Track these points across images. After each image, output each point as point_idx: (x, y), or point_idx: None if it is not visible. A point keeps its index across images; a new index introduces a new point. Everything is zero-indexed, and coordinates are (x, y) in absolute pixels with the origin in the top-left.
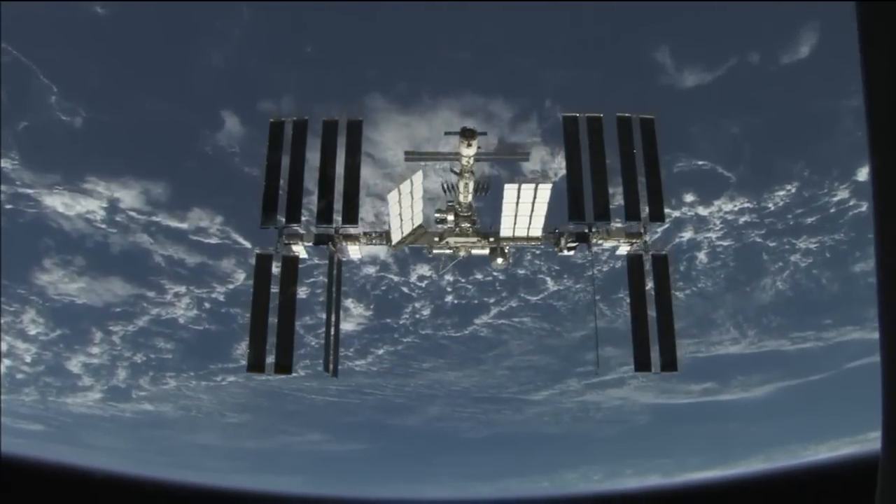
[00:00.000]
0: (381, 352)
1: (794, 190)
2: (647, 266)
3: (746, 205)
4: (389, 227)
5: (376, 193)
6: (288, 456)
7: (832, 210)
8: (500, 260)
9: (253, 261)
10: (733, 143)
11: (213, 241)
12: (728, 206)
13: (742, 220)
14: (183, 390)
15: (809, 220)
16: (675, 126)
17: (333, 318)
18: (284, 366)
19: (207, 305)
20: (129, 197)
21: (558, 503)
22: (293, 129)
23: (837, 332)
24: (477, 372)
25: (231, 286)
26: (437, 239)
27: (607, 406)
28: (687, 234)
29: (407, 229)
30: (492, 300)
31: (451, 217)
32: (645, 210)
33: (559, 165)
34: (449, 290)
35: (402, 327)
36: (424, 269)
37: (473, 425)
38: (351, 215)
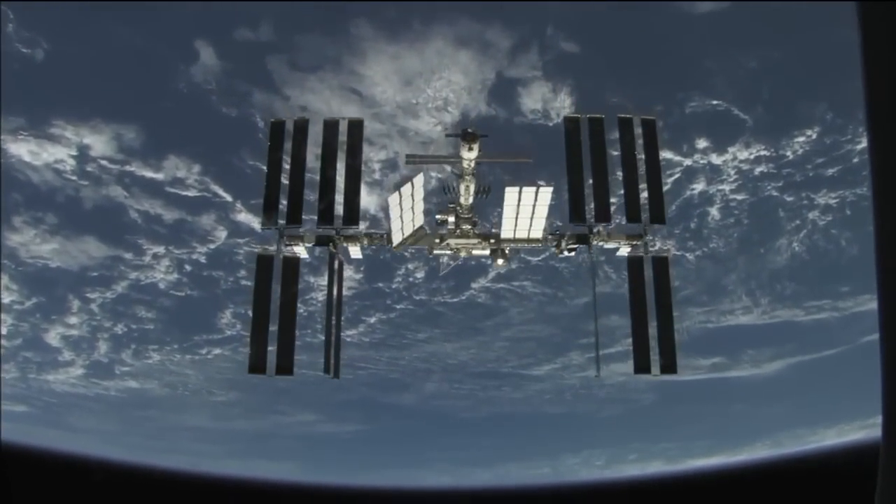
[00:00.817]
0: (373, 320)
1: (814, 136)
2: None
3: (763, 152)
4: (390, 228)
5: (365, 138)
6: (281, 439)
7: (855, 160)
8: (500, 261)
9: (248, 249)
10: (751, 80)
11: (192, 193)
12: (743, 154)
13: (758, 170)
14: (167, 365)
15: (830, 171)
16: (689, 59)
17: (334, 321)
18: (285, 367)
19: (188, 268)
20: (99, 143)
21: (559, 493)
22: (294, 129)
23: (854, 302)
24: (475, 343)
25: (212, 246)
26: (437, 240)
27: (611, 383)
28: (698, 186)
29: (408, 231)
30: (490, 261)
31: (451, 219)
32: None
33: (561, 104)
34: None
35: (394, 292)
36: None
37: (472, 404)
38: (352, 216)
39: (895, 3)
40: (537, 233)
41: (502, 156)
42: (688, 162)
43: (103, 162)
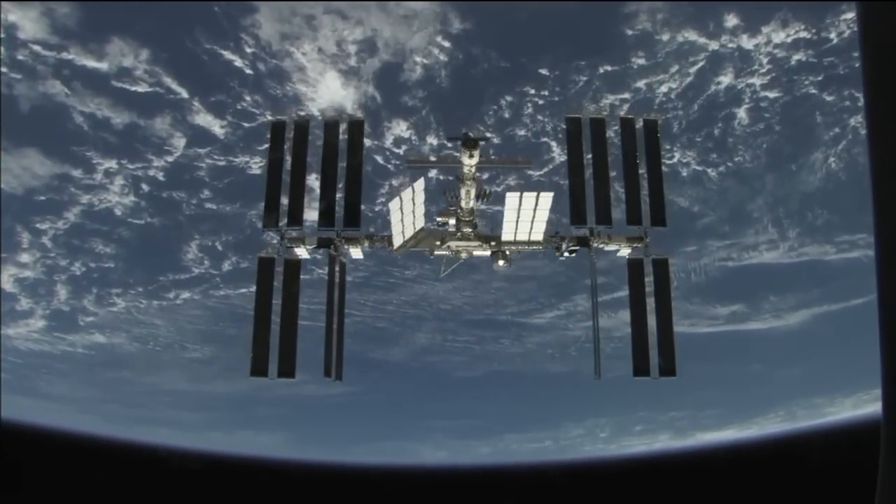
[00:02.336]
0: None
1: None
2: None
3: (802, 34)
4: (391, 232)
5: (336, 10)
6: (264, 405)
7: None
8: (501, 262)
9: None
10: None
11: (142, 88)
12: (779, 37)
13: (795, 58)
14: (134, 314)
15: None
16: None
17: (336, 324)
18: (287, 370)
19: (145, 188)
20: (28, 22)
21: (561, 470)
22: (294, 129)
23: None
24: (469, 284)
25: (169, 158)
26: (438, 242)
27: (619, 335)
28: (725, 79)
29: (409, 233)
30: (485, 176)
31: (452, 221)
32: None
33: None
34: (433, 159)
35: (378, 216)
36: (402, 128)
37: (467, 360)
38: (352, 218)
39: (895, 3)
40: (538, 235)
41: (502, 161)
42: (714, 46)
43: (35, 47)
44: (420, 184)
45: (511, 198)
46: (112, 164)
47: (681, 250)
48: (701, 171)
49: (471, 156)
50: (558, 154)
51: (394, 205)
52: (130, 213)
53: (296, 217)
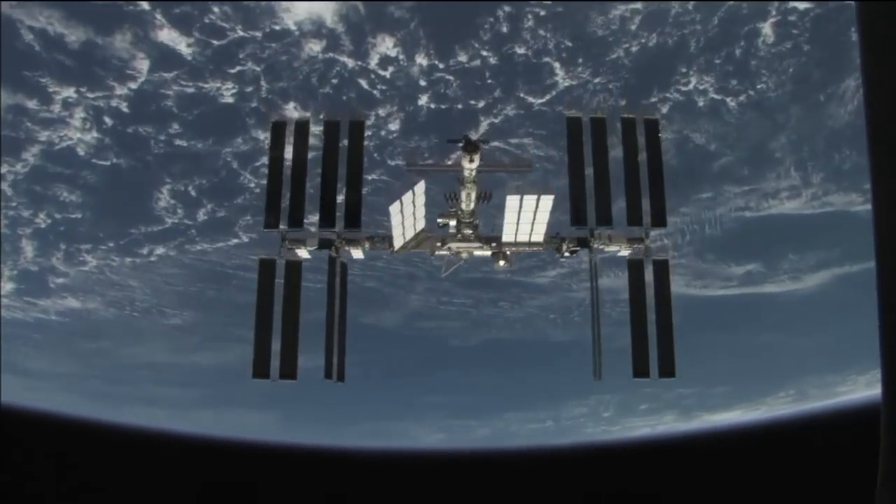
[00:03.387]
0: (339, 198)
1: None
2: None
3: None
4: (392, 234)
5: None
6: (251, 381)
7: None
8: (502, 262)
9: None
10: None
11: None
12: None
13: None
14: (107, 273)
15: None
16: None
17: (337, 327)
18: (289, 373)
19: (108, 122)
20: None
21: (562, 456)
22: (295, 130)
23: None
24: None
25: (133, 85)
26: (439, 243)
27: (626, 298)
28: None
29: (409, 235)
30: (480, 104)
31: (453, 223)
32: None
33: None
34: (423, 83)
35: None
36: (388, 46)
37: (463, 327)
38: (353, 220)
39: (895, 4)
40: (538, 236)
41: (503, 165)
42: None
43: None
44: (420, 186)
45: (511, 200)
46: (70, 92)
47: (695, 197)
48: (719, 100)
49: (471, 160)
50: (561, 78)
51: (394, 208)
52: (94, 152)
53: (296, 218)
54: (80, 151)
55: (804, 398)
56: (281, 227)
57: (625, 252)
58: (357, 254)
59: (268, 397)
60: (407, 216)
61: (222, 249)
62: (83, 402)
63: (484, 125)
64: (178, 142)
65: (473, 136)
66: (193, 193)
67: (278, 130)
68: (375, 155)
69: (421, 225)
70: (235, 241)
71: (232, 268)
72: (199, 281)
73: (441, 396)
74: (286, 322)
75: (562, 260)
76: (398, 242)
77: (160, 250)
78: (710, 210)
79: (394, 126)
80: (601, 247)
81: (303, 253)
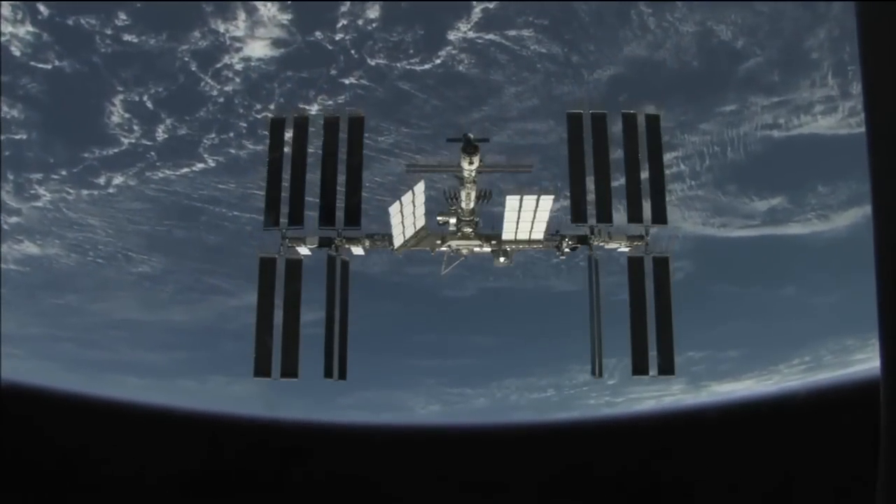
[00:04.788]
0: (314, 110)
1: None
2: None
3: None
4: (392, 233)
5: None
6: (230, 339)
7: None
8: (502, 258)
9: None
10: None
11: None
12: None
13: None
14: (63, 210)
15: None
16: None
17: (339, 325)
18: (290, 371)
19: (43, 10)
20: None
21: (563, 431)
22: (294, 127)
23: None
24: (456, 150)
25: None
26: (439, 241)
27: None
28: None
29: (409, 233)
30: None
31: (453, 220)
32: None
33: None
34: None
35: (340, 50)
36: None
37: (456, 273)
38: (353, 218)
39: (895, 4)
40: (538, 235)
41: (503, 166)
42: None
43: None
44: (420, 187)
45: (511, 200)
46: None
47: (717, 110)
48: None
49: (470, 162)
50: None
51: (394, 209)
52: (32, 52)
53: (296, 216)
54: (15, 51)
55: (818, 366)
56: (281, 224)
57: (625, 249)
58: (357, 251)
59: (249, 359)
60: (406, 215)
61: (187, 177)
62: (58, 370)
63: (477, 11)
64: (126, 37)
65: (472, 138)
66: (150, 105)
67: (277, 127)
68: (353, 52)
69: (421, 222)
70: (201, 165)
71: (200, 200)
72: (164, 218)
73: (434, 360)
74: (287, 320)
75: (562, 258)
76: (398, 241)
77: (118, 179)
78: (734, 127)
79: (373, 14)
80: (601, 244)
81: (303, 250)
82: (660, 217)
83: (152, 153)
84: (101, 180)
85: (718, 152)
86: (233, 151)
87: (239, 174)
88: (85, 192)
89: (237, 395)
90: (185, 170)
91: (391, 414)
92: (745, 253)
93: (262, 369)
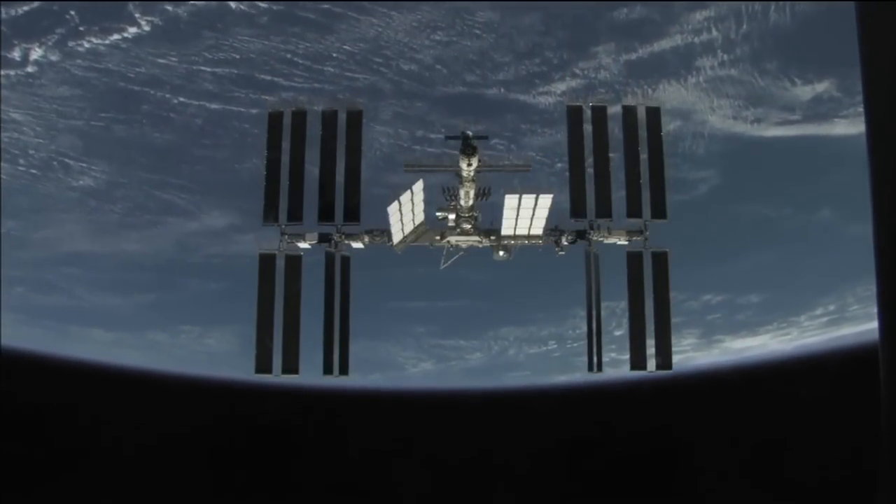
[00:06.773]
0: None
1: None
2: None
3: None
4: (391, 231)
5: None
6: (195, 276)
7: None
8: (502, 253)
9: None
10: None
11: None
12: None
13: None
14: None
15: None
16: None
17: (339, 320)
18: (291, 367)
19: None
20: None
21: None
22: (292, 121)
23: None
24: (446, 16)
25: None
26: (438, 237)
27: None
28: None
29: (409, 230)
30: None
31: (452, 216)
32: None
33: None
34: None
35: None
36: None
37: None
38: (352, 213)
39: (895, 3)
40: (537, 231)
41: (502, 166)
42: None
43: None
44: (419, 185)
45: (510, 199)
46: None
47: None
48: None
49: (469, 164)
50: None
51: (392, 208)
52: None
53: (295, 212)
54: None
55: (842, 319)
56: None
57: (623, 243)
58: (357, 245)
59: (217, 299)
60: (405, 213)
61: (119, 48)
62: (13, 324)
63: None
64: None
65: (470, 137)
66: None
67: (275, 121)
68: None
69: (420, 219)
70: (134, 29)
71: (138, 82)
72: (99, 109)
73: (423, 302)
74: (287, 317)
75: (561, 253)
76: (397, 237)
77: (37, 54)
78: None
79: None
80: (601, 239)
81: (303, 244)
82: (659, 212)
83: (71, 11)
84: (17, 55)
85: (759, 14)
86: (170, 8)
87: (180, 42)
88: (2, 72)
89: (213, 350)
90: (115, 36)
91: (381, 374)
92: (779, 160)
93: (262, 366)
